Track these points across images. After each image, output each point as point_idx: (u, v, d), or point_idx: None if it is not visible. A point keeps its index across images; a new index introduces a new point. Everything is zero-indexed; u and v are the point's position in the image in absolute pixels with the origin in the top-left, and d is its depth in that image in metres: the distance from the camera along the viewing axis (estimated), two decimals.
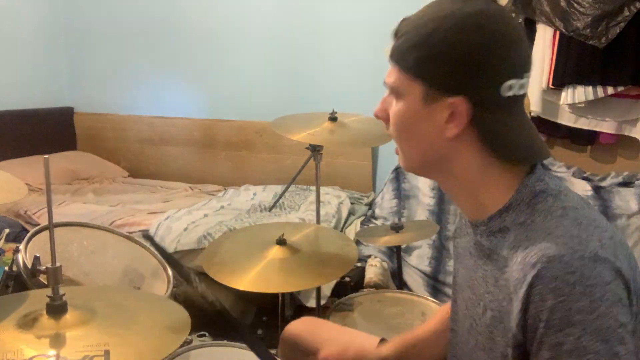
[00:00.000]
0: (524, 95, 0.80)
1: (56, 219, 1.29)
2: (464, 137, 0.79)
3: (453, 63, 0.76)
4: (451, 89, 0.77)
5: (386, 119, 0.87)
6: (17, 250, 1.23)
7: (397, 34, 0.83)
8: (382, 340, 1.18)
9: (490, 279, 0.81)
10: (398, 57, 0.82)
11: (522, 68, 0.78)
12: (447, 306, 1.15)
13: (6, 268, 1.21)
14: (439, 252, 2.55)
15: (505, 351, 0.77)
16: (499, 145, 0.79)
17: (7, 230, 1.95)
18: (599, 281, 0.68)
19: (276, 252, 1.51)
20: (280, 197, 2.86)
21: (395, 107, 0.84)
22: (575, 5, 2.52)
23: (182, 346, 1.29)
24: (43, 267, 0.94)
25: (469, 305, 0.87)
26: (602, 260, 0.69)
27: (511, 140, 0.79)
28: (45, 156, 0.84)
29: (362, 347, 1.12)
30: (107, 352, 0.77)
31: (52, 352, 0.78)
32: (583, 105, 2.60)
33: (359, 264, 2.48)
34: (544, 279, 0.69)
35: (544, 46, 2.64)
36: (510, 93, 0.77)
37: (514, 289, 0.74)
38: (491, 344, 0.80)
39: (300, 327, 1.27)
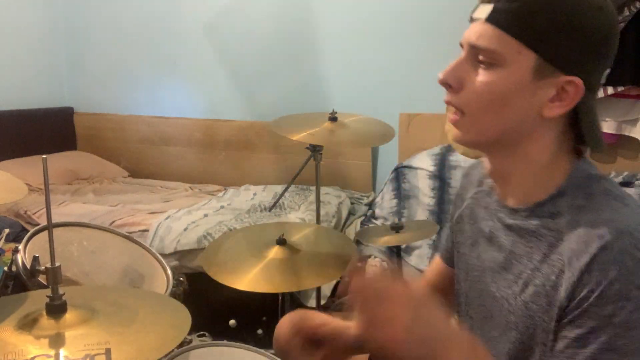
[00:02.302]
0: None
1: (56, 219, 1.29)
2: (558, 117, 0.77)
3: (576, 41, 0.73)
4: (569, 67, 0.74)
5: (458, 88, 0.80)
6: (16, 251, 1.23)
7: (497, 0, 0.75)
8: None
9: (537, 254, 0.79)
10: (509, 21, 0.74)
11: (614, 56, 0.78)
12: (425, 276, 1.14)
13: (5, 268, 1.21)
14: None
15: (548, 326, 0.75)
16: (590, 130, 0.78)
17: (7, 230, 1.94)
18: None
19: (276, 252, 1.51)
20: (280, 197, 2.86)
21: (488, 77, 0.76)
22: None
23: (182, 346, 1.29)
24: (42, 267, 0.94)
25: (501, 287, 0.85)
26: None
27: (597, 126, 0.79)
28: (44, 156, 0.84)
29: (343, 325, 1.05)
30: (108, 351, 0.77)
31: (54, 351, 0.78)
32: None
33: (359, 264, 2.47)
34: (611, 250, 0.69)
35: None
36: (604, 81, 0.78)
37: (569, 261, 0.73)
38: (528, 321, 0.78)
39: (289, 321, 1.26)
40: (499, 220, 0.87)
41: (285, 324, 1.24)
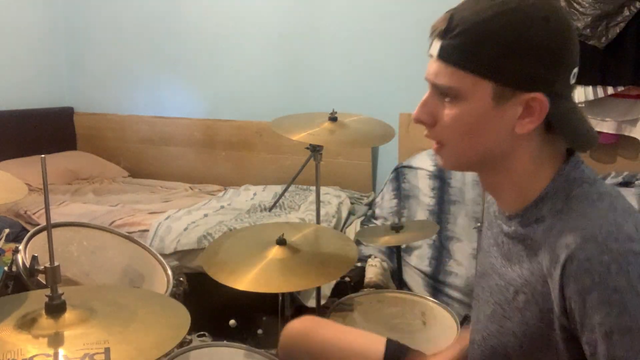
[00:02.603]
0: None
1: (56, 219, 1.29)
2: (534, 130, 0.78)
3: (528, 58, 0.73)
4: (527, 85, 0.74)
5: (432, 124, 0.82)
6: (16, 251, 1.23)
7: (448, 31, 0.76)
8: (389, 340, 1.17)
9: (525, 263, 0.80)
10: (458, 56, 0.75)
11: (578, 54, 0.78)
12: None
13: (6, 268, 1.21)
14: (439, 252, 2.54)
15: (545, 333, 0.76)
16: (570, 134, 0.79)
17: (7, 230, 1.95)
18: (635, 260, 0.68)
19: (276, 252, 1.51)
20: (280, 197, 2.86)
21: (454, 110, 0.78)
22: (575, 5, 2.52)
23: (182, 346, 1.29)
24: (41, 267, 0.94)
25: (494, 292, 0.87)
26: (637, 241, 0.69)
27: (579, 127, 0.80)
28: (42, 156, 0.83)
29: None
30: (107, 350, 0.77)
31: (53, 351, 0.78)
32: (583, 105, 2.60)
33: (359, 264, 2.48)
34: (578, 260, 0.69)
35: None
36: (574, 81, 0.77)
37: (548, 271, 0.74)
38: (524, 328, 0.79)
39: (300, 326, 1.27)
40: (499, 227, 0.89)
41: (296, 329, 1.25)
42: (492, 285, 0.89)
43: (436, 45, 0.78)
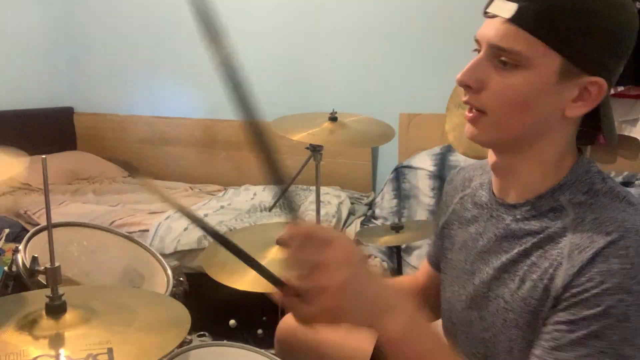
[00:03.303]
0: None
1: (56, 219, 1.29)
2: (578, 116, 0.77)
3: (601, 40, 0.72)
4: (593, 67, 0.73)
5: (478, 89, 0.77)
6: (16, 251, 1.23)
7: None
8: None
9: (535, 250, 0.78)
10: (536, 22, 0.72)
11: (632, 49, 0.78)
12: (409, 278, 1.15)
13: (6, 268, 1.21)
14: None
15: (540, 316, 0.76)
16: (608, 125, 0.79)
17: (7, 230, 1.94)
18: None
19: (276, 252, 1.51)
20: (280, 197, 2.85)
21: (511, 79, 0.74)
22: None
23: (182, 346, 1.29)
24: (41, 268, 0.94)
25: (494, 287, 0.84)
26: None
27: (613, 121, 0.81)
28: (43, 156, 0.84)
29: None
30: (110, 350, 0.77)
31: (55, 351, 0.78)
32: None
33: None
34: (616, 245, 0.70)
35: None
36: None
37: (569, 254, 0.73)
38: (529, 316, 0.78)
39: (293, 321, 1.27)
40: (495, 218, 0.87)
41: (291, 322, 1.25)
42: (489, 280, 0.85)
43: (507, 6, 0.73)
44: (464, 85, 0.78)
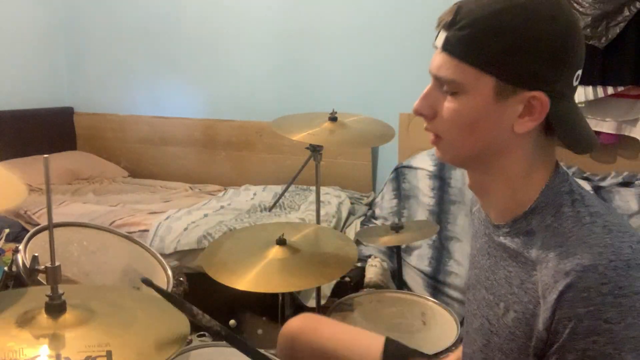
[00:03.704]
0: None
1: (56, 219, 1.29)
2: (532, 130, 0.78)
3: (532, 56, 0.73)
4: (529, 83, 0.74)
5: (432, 116, 0.82)
6: (16, 251, 1.23)
7: (454, 23, 0.76)
8: (387, 339, 1.17)
9: (515, 280, 0.80)
10: (463, 49, 0.75)
11: (583, 56, 0.78)
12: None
13: (6, 268, 1.21)
14: (439, 252, 2.54)
15: (531, 351, 0.77)
16: (568, 135, 0.78)
17: (7, 230, 1.95)
18: (630, 291, 0.68)
19: (276, 252, 1.51)
20: (280, 197, 2.85)
21: (454, 104, 0.78)
22: (575, 5, 2.52)
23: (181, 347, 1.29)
24: (42, 267, 0.94)
25: (482, 306, 0.87)
26: (634, 268, 0.70)
27: (577, 129, 0.79)
28: (45, 156, 0.83)
29: None
30: (109, 353, 0.77)
31: (54, 352, 0.78)
32: (583, 105, 2.60)
33: (359, 264, 2.47)
34: (576, 289, 0.70)
35: None
36: (576, 83, 0.77)
37: (543, 294, 0.74)
38: (512, 344, 0.79)
39: (299, 324, 1.27)
40: (488, 236, 0.89)
41: (294, 327, 1.25)
42: (480, 299, 0.88)
43: (441, 37, 0.78)
44: (419, 114, 0.83)
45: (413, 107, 0.83)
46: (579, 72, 0.77)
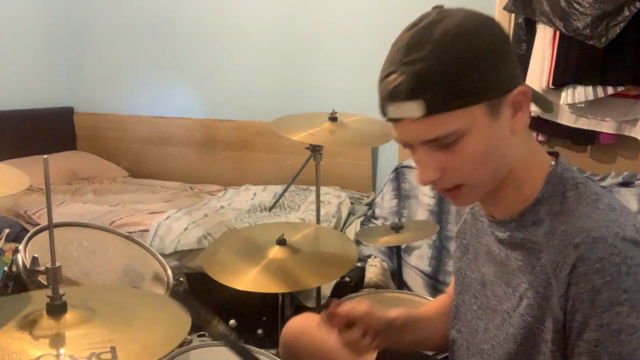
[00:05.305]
0: None
1: (56, 219, 1.29)
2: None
3: (497, 63, 0.74)
4: (509, 85, 0.76)
5: (443, 174, 0.78)
6: (16, 251, 1.23)
7: (418, 87, 0.73)
8: None
9: (527, 267, 0.80)
10: (443, 102, 0.73)
11: None
12: (443, 297, 1.15)
13: (6, 268, 1.21)
14: (439, 252, 2.55)
15: (546, 336, 0.77)
16: (540, 101, 0.83)
17: (7, 230, 1.94)
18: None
19: (276, 252, 1.52)
20: (280, 197, 2.85)
21: (462, 149, 0.76)
22: (575, 5, 2.52)
23: (182, 346, 1.29)
24: (42, 268, 0.94)
25: (503, 300, 0.86)
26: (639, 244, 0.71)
27: (535, 93, 0.85)
28: (45, 156, 0.84)
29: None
30: (113, 349, 0.77)
31: (59, 350, 0.78)
32: (583, 105, 2.60)
33: (359, 264, 2.48)
34: (589, 260, 0.70)
35: (544, 46, 2.64)
36: None
37: (553, 272, 0.74)
38: (526, 332, 0.80)
39: (301, 323, 1.27)
40: (493, 235, 0.89)
41: (297, 325, 1.25)
42: (500, 294, 0.87)
43: (410, 106, 0.74)
44: (432, 182, 0.79)
45: (421, 181, 0.80)
46: None
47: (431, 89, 0.72)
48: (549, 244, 0.76)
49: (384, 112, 0.79)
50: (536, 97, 0.85)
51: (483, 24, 0.75)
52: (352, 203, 3.07)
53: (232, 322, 2.23)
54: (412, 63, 0.73)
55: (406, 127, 0.76)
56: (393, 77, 0.74)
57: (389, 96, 0.75)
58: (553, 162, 0.83)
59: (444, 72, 0.72)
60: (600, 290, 0.69)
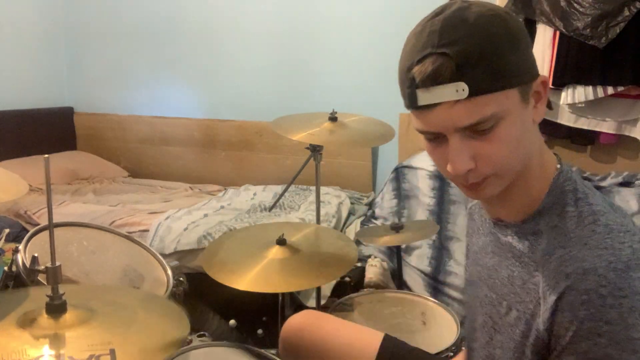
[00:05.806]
0: None
1: (56, 219, 1.29)
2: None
3: (527, 49, 0.76)
4: (533, 73, 0.77)
5: (480, 163, 0.76)
6: (16, 251, 1.23)
7: (462, 67, 0.71)
8: (386, 336, 1.18)
9: (518, 280, 0.81)
10: (487, 83, 0.71)
11: None
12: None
13: (6, 268, 1.21)
14: (439, 252, 2.54)
15: (527, 351, 0.78)
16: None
17: (7, 230, 1.95)
18: (630, 292, 0.69)
19: (276, 252, 1.52)
20: (280, 197, 2.85)
21: (498, 133, 0.74)
22: (575, 5, 2.52)
23: (182, 346, 1.29)
24: (42, 267, 0.94)
25: (484, 303, 0.88)
26: (634, 269, 0.70)
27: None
28: (45, 156, 0.83)
29: None
30: (112, 351, 0.77)
31: (57, 352, 0.78)
32: (583, 105, 2.60)
33: (359, 264, 2.47)
34: (577, 291, 0.71)
35: (544, 46, 2.64)
36: None
37: (544, 294, 0.75)
38: (512, 343, 0.81)
39: (301, 321, 1.28)
40: (493, 235, 0.89)
41: (297, 323, 1.26)
42: (482, 296, 0.89)
43: (448, 89, 0.72)
44: (466, 170, 0.76)
45: (456, 170, 0.76)
46: None
47: (476, 69, 0.71)
48: (545, 267, 0.76)
49: (413, 100, 0.75)
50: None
51: (506, 11, 0.77)
52: (352, 203, 3.07)
53: (232, 322, 2.23)
54: (452, 44, 0.71)
55: (443, 112, 0.73)
56: (431, 59, 0.72)
57: (428, 79, 0.72)
58: (558, 165, 0.83)
59: (486, 52, 0.71)
60: (583, 321, 0.70)
